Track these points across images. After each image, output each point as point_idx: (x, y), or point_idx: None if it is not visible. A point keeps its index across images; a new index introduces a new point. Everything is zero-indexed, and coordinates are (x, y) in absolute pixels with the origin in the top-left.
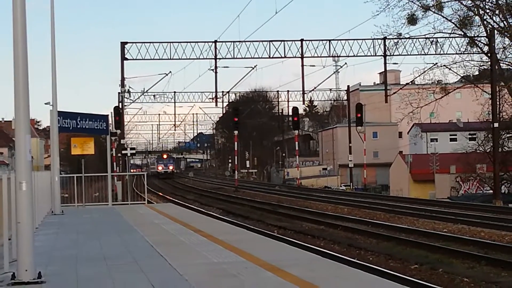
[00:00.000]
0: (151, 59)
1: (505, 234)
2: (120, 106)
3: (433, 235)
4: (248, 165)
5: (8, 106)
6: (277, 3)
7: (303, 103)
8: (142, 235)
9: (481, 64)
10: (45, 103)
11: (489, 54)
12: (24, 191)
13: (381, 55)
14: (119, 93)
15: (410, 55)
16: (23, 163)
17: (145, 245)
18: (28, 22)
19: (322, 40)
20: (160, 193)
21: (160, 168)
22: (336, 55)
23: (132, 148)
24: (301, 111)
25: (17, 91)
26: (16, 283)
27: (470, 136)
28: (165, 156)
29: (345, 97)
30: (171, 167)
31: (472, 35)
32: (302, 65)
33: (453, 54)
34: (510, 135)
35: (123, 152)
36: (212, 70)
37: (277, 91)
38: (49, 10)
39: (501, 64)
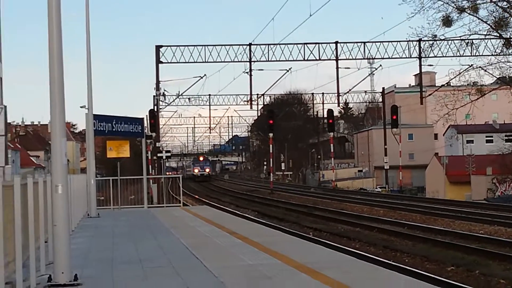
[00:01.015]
0: (186, 62)
1: None
2: (155, 109)
3: (470, 237)
4: (283, 168)
5: (44, 109)
6: (312, 5)
7: (338, 105)
8: (178, 237)
9: None
10: (81, 107)
11: None
12: (60, 194)
13: (416, 57)
14: (154, 96)
15: (446, 56)
16: (59, 166)
17: (181, 248)
18: (63, 25)
19: (356, 42)
20: (196, 196)
21: (196, 170)
22: (371, 57)
23: (167, 151)
24: (336, 113)
25: (53, 94)
26: (53, 286)
27: (506, 138)
28: (201, 159)
29: (380, 99)
30: (207, 170)
31: (508, 37)
32: (337, 68)
33: (488, 55)
34: None
35: (159, 155)
36: (247, 72)
37: (312, 94)
38: (84, 14)
39: None
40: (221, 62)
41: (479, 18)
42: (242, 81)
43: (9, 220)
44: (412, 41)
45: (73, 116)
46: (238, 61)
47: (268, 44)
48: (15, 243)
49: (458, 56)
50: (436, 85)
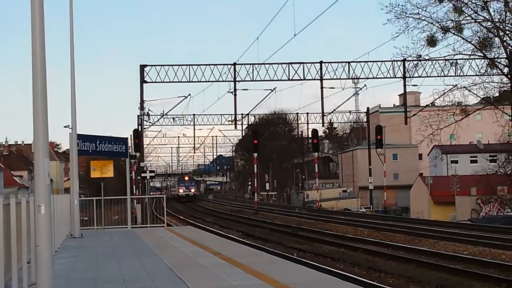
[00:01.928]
0: (170, 81)
1: None
2: (140, 129)
3: (454, 258)
4: (267, 188)
5: (27, 129)
6: (296, 25)
7: (323, 125)
8: (161, 258)
9: (501, 86)
10: (65, 126)
11: (509, 76)
12: (43, 214)
13: (400, 77)
14: (138, 115)
15: (430, 76)
16: (41, 186)
17: (164, 268)
18: (46, 45)
19: (341, 62)
20: (180, 216)
21: (181, 190)
22: (355, 77)
23: (151, 171)
24: (320, 133)
25: (36, 114)
26: None
27: (490, 158)
28: (186, 178)
29: (365, 119)
30: (193, 190)
31: (492, 57)
32: (322, 87)
33: (473, 75)
34: None
35: (143, 175)
36: (232, 92)
37: (297, 113)
38: (68, 34)
39: None
40: (206, 81)
41: (463, 38)
42: (227, 101)
43: None
44: (397, 61)
45: (56, 135)
46: (223, 81)
47: (253, 64)
48: None
49: (443, 76)
50: (421, 105)
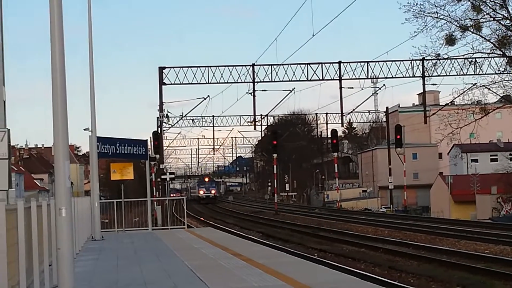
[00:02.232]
0: (189, 83)
1: None
2: (159, 131)
3: (475, 257)
4: (287, 188)
5: (48, 132)
6: (314, 25)
7: (342, 125)
8: (182, 259)
9: None
10: (84, 129)
11: None
12: (64, 217)
13: (419, 76)
14: (157, 117)
15: (449, 75)
16: (62, 189)
17: (185, 270)
18: (66, 48)
19: (360, 62)
20: (200, 218)
21: (201, 192)
22: (374, 77)
23: (171, 173)
24: (340, 133)
25: (56, 117)
26: None
27: (511, 156)
28: (207, 180)
29: (384, 119)
30: (213, 191)
31: (511, 55)
32: (341, 87)
33: (492, 74)
34: None
35: (163, 176)
36: (250, 93)
37: (316, 114)
38: (87, 36)
39: None
40: (225, 83)
41: (482, 37)
42: (246, 102)
43: (12, 244)
44: (415, 60)
45: (76, 138)
46: (242, 82)
47: (271, 65)
48: (19, 267)
49: (462, 75)
50: (440, 104)
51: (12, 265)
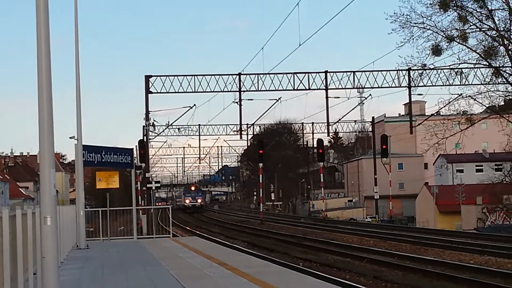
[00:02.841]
0: (175, 92)
1: None
2: (145, 140)
3: (460, 267)
4: (273, 198)
5: (33, 140)
6: (301, 35)
7: (328, 135)
8: (168, 268)
9: (507, 95)
10: (70, 137)
11: None
12: (49, 226)
13: (405, 86)
14: (143, 126)
15: (435, 86)
16: (47, 198)
17: (171, 279)
18: (52, 56)
19: (346, 71)
20: (186, 226)
21: (187, 201)
22: (360, 87)
23: (157, 182)
24: (326, 143)
25: (42, 125)
26: None
27: (496, 167)
28: (193, 188)
29: (370, 129)
30: (199, 200)
31: (497, 65)
32: (327, 97)
33: (478, 84)
34: None
35: (148, 185)
36: (237, 102)
37: (302, 123)
38: (73, 44)
39: None
40: (211, 92)
41: (468, 47)
42: (232, 111)
43: None
44: (402, 70)
45: (62, 147)
46: (228, 91)
47: (258, 74)
48: (4, 275)
49: (448, 85)
50: (426, 114)
51: None
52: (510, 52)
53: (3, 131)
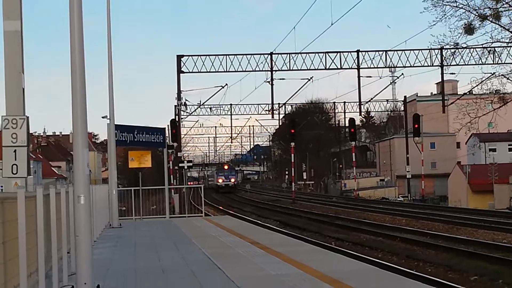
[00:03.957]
0: (207, 71)
1: None
2: (177, 119)
3: (493, 246)
4: (305, 177)
5: (66, 120)
6: (333, 14)
7: (360, 114)
8: (200, 247)
9: None
10: (102, 117)
11: None
12: (82, 205)
13: (438, 65)
14: (175, 106)
15: (468, 65)
16: (81, 177)
17: (203, 258)
18: (85, 37)
19: (378, 51)
20: (217, 206)
21: (220, 180)
22: (392, 66)
23: (189, 161)
24: (357, 122)
25: (75, 105)
26: None
27: None
28: (226, 167)
29: (402, 108)
30: (232, 180)
31: None
32: (359, 76)
33: (511, 63)
34: None
35: (180, 165)
36: (268, 82)
37: (334, 103)
38: (105, 25)
39: None
40: (242, 71)
41: (501, 26)
42: (264, 91)
43: (32, 231)
44: (434, 49)
45: (94, 126)
46: (260, 70)
47: (290, 53)
48: (38, 254)
49: (480, 64)
50: (458, 93)
51: (31, 252)
52: None
53: (35, 110)
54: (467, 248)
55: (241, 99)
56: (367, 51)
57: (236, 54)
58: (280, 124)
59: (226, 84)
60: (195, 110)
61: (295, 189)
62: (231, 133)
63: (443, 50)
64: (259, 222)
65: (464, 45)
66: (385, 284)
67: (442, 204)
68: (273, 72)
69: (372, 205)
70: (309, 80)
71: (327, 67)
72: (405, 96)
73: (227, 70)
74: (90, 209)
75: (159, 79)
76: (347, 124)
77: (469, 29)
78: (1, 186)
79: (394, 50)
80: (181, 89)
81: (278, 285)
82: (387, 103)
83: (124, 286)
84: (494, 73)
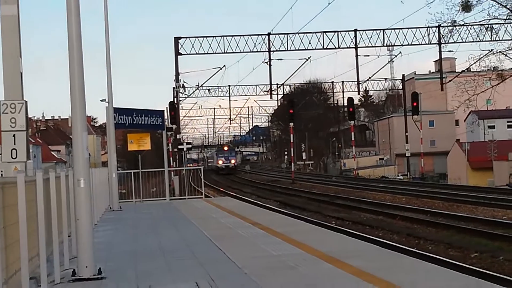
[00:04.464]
0: (205, 53)
1: None
2: (175, 101)
3: (493, 223)
4: (304, 157)
5: (65, 104)
6: None
7: (358, 93)
8: (200, 229)
9: None
10: (101, 100)
11: None
12: (82, 188)
13: (436, 43)
14: (174, 88)
15: (465, 42)
16: (80, 161)
17: (203, 239)
18: (82, 19)
19: (375, 29)
20: (217, 187)
21: (220, 162)
22: (390, 45)
23: (188, 143)
24: (356, 101)
25: (73, 88)
26: (77, 280)
27: None
28: (226, 148)
29: (401, 86)
30: (233, 161)
31: None
32: (356, 55)
33: (508, 40)
34: None
35: (179, 147)
36: (266, 62)
37: (332, 82)
38: (102, 8)
39: None
40: (240, 52)
41: (498, 3)
42: (262, 71)
43: (32, 215)
44: (432, 27)
45: (93, 109)
46: (257, 51)
47: (287, 34)
48: (39, 238)
49: (478, 41)
50: (456, 71)
51: (32, 236)
52: None
53: (34, 95)
54: (467, 225)
55: (240, 80)
56: (365, 30)
57: (233, 35)
58: (279, 104)
59: (224, 66)
60: (193, 92)
61: (294, 169)
62: (230, 115)
63: (441, 28)
64: (259, 203)
65: (462, 23)
66: (386, 262)
67: (442, 181)
68: (271, 52)
69: (372, 184)
70: (307, 60)
71: (325, 47)
72: (403, 75)
73: (225, 51)
74: (90, 193)
75: (157, 61)
76: (345, 104)
77: (466, 6)
78: (1, 171)
79: (392, 29)
80: (179, 71)
81: (279, 265)
82: (386, 81)
83: (125, 268)
84: (492, 50)
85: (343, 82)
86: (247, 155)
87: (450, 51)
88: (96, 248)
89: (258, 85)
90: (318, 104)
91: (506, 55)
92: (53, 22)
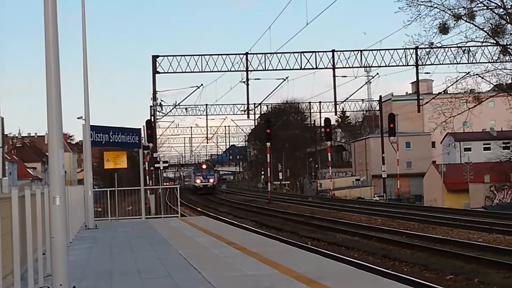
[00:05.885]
0: (182, 72)
1: None
2: (152, 120)
3: (468, 245)
4: (280, 177)
5: (41, 121)
6: (308, 14)
7: (335, 114)
8: (176, 248)
9: None
10: (78, 118)
11: None
12: (57, 206)
13: (413, 65)
14: (151, 106)
15: (442, 64)
16: (56, 178)
17: (179, 258)
18: (60, 37)
19: (353, 50)
20: (194, 206)
21: (198, 181)
22: (367, 66)
23: (164, 162)
24: (333, 122)
25: (50, 105)
26: None
27: (504, 145)
28: (204, 167)
29: (378, 108)
30: (211, 180)
31: (505, 43)
32: (334, 76)
33: (485, 62)
34: None
35: (156, 165)
36: (244, 82)
37: (309, 102)
38: (81, 25)
39: None
40: (218, 71)
41: (475, 25)
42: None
43: (7, 233)
44: (409, 49)
45: (69, 127)
46: (235, 71)
47: (265, 53)
48: (13, 256)
49: (455, 63)
50: (433, 92)
51: (6, 253)
52: None
53: (10, 111)
54: (443, 247)
55: (217, 99)
56: (342, 51)
57: (211, 54)
58: (256, 124)
59: (202, 85)
60: (170, 111)
61: (271, 189)
62: (207, 134)
63: (418, 49)
64: (235, 222)
65: (439, 45)
66: (361, 283)
67: (418, 203)
68: (249, 72)
69: (348, 205)
70: (285, 80)
71: (303, 67)
72: (380, 96)
73: (203, 70)
74: (65, 210)
75: (134, 79)
76: (322, 124)
77: (443, 29)
78: None
79: (369, 50)
80: (157, 90)
81: (255, 285)
82: (363, 102)
83: (100, 287)
84: (468, 72)
85: (320, 102)
86: (223, 174)
87: (427, 73)
88: (71, 266)
89: (235, 104)
90: (295, 124)
91: (483, 78)
92: (31, 37)
